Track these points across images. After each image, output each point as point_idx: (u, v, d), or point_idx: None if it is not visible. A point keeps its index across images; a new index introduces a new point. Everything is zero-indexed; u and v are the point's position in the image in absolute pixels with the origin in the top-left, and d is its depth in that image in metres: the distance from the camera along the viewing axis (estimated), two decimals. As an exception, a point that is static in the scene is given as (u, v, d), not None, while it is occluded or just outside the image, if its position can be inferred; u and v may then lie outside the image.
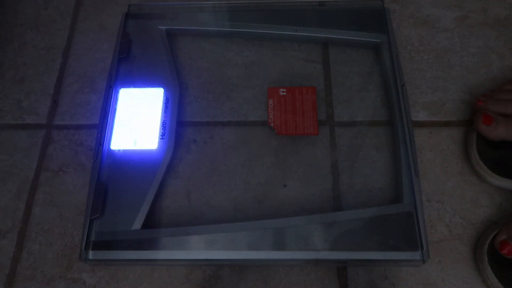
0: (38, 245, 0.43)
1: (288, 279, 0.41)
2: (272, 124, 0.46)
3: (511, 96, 0.44)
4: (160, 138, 0.44)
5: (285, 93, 0.48)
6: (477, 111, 0.44)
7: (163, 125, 0.45)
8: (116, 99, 0.46)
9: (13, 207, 0.45)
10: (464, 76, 0.50)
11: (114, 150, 0.44)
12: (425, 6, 0.55)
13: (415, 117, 0.48)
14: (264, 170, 0.45)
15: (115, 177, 0.43)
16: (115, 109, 0.46)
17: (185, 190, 0.45)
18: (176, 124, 0.46)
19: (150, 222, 0.42)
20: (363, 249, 0.39)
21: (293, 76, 0.50)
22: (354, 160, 0.46)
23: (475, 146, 0.44)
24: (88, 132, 0.49)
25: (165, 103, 0.46)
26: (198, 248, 0.39)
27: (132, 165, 0.43)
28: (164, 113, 0.46)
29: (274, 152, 0.46)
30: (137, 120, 0.45)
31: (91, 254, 0.39)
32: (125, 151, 0.44)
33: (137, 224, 0.41)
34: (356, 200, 0.43)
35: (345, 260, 0.39)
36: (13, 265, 0.43)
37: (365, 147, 0.46)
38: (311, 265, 0.41)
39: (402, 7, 0.55)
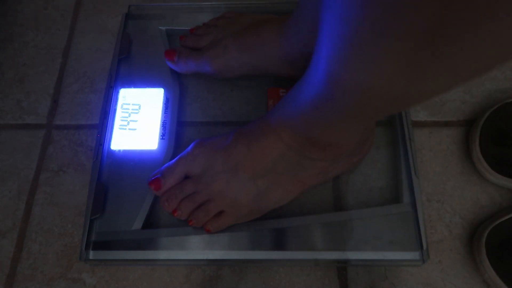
0: (38, 245, 0.43)
1: (288, 279, 0.41)
2: (272, 124, 0.46)
3: (206, 31, 0.46)
4: (160, 138, 0.44)
5: (285, 94, 0.48)
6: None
7: (163, 125, 0.45)
8: (116, 99, 0.46)
9: (13, 207, 0.45)
10: (464, 76, 0.50)
11: (114, 150, 0.44)
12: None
13: (415, 117, 0.48)
14: (264, 170, 0.45)
15: (115, 177, 0.43)
16: (115, 109, 0.46)
17: (185, 190, 0.45)
18: (176, 124, 0.46)
19: (150, 222, 0.42)
20: (363, 249, 0.39)
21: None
22: (354, 160, 0.46)
23: (477, 142, 0.44)
24: (88, 132, 0.49)
25: (165, 103, 0.46)
26: (198, 248, 0.39)
27: (132, 165, 0.43)
28: (164, 113, 0.46)
29: (274, 152, 0.46)
30: (137, 120, 0.45)
31: (91, 254, 0.39)
32: (125, 151, 0.44)
33: (137, 224, 0.41)
34: (356, 200, 0.43)
35: (345, 260, 0.39)
36: (13, 265, 0.43)
37: (365, 147, 0.46)
38: (311, 265, 0.41)
39: (402, 7, 0.55)
